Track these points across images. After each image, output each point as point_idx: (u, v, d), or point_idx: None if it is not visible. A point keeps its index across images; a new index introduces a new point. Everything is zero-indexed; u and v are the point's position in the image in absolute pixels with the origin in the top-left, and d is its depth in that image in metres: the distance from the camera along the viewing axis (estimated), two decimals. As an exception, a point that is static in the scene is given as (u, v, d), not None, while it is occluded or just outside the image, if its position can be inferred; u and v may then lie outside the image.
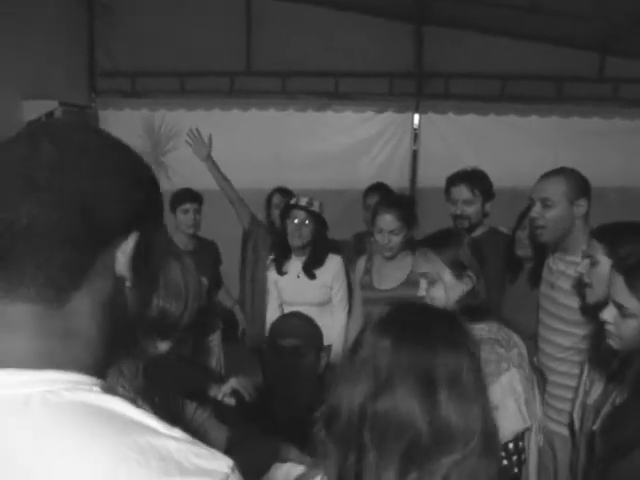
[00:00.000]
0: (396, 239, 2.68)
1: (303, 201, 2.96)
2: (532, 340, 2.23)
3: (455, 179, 2.82)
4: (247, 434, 1.74)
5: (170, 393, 1.55)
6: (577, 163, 4.90)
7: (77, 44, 5.28)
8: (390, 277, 2.77)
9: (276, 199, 3.85)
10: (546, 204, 2.06)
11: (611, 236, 1.72)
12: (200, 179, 5.07)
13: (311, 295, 2.95)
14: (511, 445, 1.48)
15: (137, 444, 0.53)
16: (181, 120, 5.44)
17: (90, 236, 0.59)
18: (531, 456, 1.59)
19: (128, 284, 0.63)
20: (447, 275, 1.63)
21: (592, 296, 1.77)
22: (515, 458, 1.49)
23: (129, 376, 1.25)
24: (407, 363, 0.91)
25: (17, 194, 0.57)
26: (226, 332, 3.61)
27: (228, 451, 1.77)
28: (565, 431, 1.99)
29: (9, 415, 0.53)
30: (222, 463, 0.56)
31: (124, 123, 5.49)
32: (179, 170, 5.42)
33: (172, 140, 5.54)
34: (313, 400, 1.92)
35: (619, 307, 1.39)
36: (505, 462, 1.44)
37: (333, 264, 2.99)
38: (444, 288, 1.63)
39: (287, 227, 2.94)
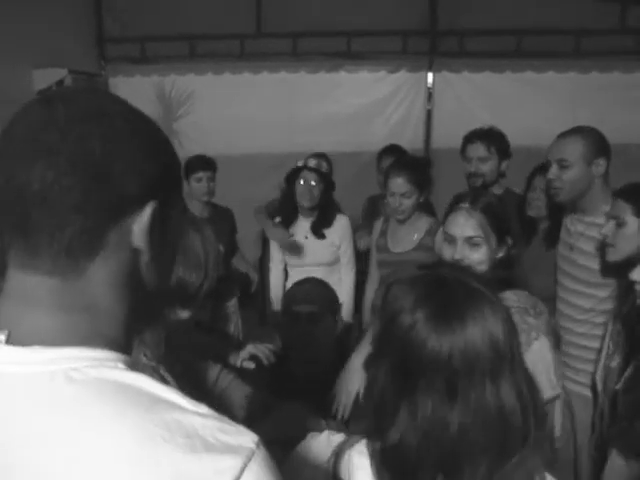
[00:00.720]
0: (407, 202, 2.69)
1: (312, 162, 2.96)
2: (549, 302, 2.22)
3: (472, 136, 2.80)
4: (269, 398, 1.78)
5: (192, 359, 1.58)
6: (597, 120, 4.79)
7: (85, 11, 5.21)
8: (404, 240, 2.78)
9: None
10: (563, 165, 2.02)
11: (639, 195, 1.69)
12: (213, 145, 5.07)
13: (320, 255, 3.00)
14: None
15: (163, 420, 0.54)
16: (192, 84, 5.41)
17: (104, 204, 0.58)
18: (557, 421, 1.59)
19: (146, 256, 0.63)
20: (492, 242, 1.58)
21: (614, 254, 1.75)
22: None
23: (151, 344, 1.28)
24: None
25: (29, 158, 0.56)
26: (243, 299, 3.64)
27: (251, 413, 1.81)
28: (585, 391, 2.00)
29: (34, 393, 0.54)
30: (247, 439, 0.56)
31: (135, 90, 5.44)
32: (191, 136, 5.40)
33: (184, 105, 5.50)
34: (331, 363, 1.96)
35: None
36: None
37: (341, 224, 3.04)
38: (487, 253, 1.56)
39: (296, 188, 2.95)
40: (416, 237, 2.73)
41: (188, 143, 5.38)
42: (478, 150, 2.74)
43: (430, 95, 5.16)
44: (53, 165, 0.56)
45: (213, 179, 3.39)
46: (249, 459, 0.54)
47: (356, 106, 5.23)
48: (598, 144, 2.03)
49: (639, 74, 4.79)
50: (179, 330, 1.40)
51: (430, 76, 5.13)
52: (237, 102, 5.32)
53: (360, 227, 3.48)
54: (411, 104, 5.25)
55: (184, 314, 1.36)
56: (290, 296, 2.15)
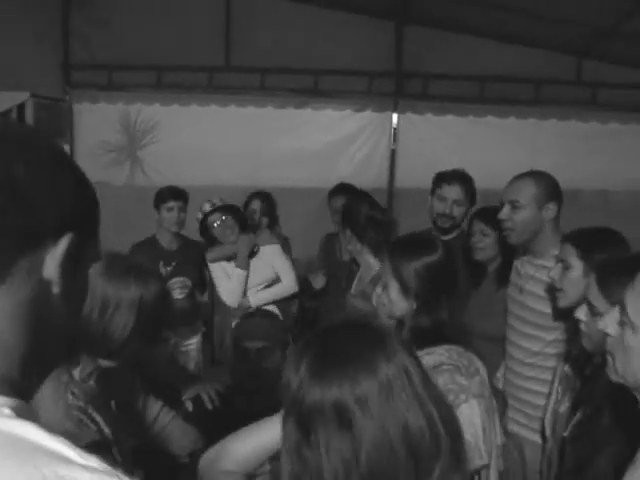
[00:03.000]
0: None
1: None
2: (499, 344, 2.22)
3: (450, 177, 2.73)
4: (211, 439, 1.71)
5: (130, 396, 1.50)
6: (554, 165, 4.95)
7: (52, 35, 5.17)
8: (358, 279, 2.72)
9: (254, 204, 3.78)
10: (515, 205, 2.05)
11: (586, 241, 1.71)
12: (177, 175, 5.02)
13: (258, 275, 3.12)
14: None
15: (42, 474, 0.48)
16: (157, 114, 5.38)
17: (20, 228, 0.55)
18: None
19: (56, 290, 0.59)
20: (393, 287, 1.56)
21: (564, 300, 1.76)
22: None
23: (79, 383, 1.20)
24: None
25: None
26: (209, 334, 3.55)
27: (193, 454, 1.74)
28: (534, 437, 1.97)
29: None
30: None
31: (99, 116, 5.39)
32: (155, 165, 5.35)
33: (149, 134, 5.46)
34: (276, 398, 1.91)
35: (590, 306, 1.38)
36: None
37: (265, 253, 3.15)
38: (389, 298, 1.56)
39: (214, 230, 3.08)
40: (367, 276, 2.64)
41: (151, 172, 5.33)
42: (456, 192, 2.69)
43: (395, 135, 5.25)
44: None
45: (184, 209, 3.32)
46: None
47: (322, 143, 5.27)
48: (550, 189, 2.07)
49: (594, 124, 4.98)
50: (119, 367, 1.33)
51: (395, 117, 5.22)
52: (203, 134, 5.31)
53: (316, 266, 3.47)
54: (376, 143, 5.32)
55: (107, 363, 1.28)
56: (239, 331, 2.10)
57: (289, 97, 5.26)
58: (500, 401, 1.87)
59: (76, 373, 1.22)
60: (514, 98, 5.01)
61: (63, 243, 0.59)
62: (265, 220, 3.62)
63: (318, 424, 0.86)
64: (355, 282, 2.64)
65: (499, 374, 2.25)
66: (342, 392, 0.86)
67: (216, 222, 3.03)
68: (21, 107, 4.58)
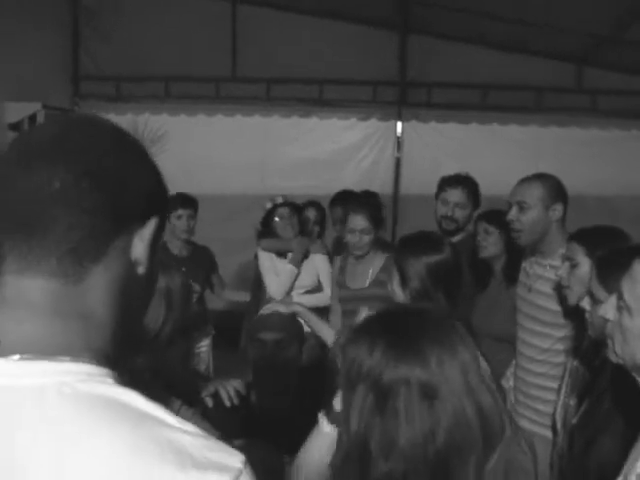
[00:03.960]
0: (366, 238, 2.76)
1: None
2: (510, 342, 2.29)
3: (452, 181, 2.86)
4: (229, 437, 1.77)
5: (153, 391, 1.55)
6: (555, 171, 4.99)
7: (62, 48, 5.28)
8: (360, 276, 2.85)
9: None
10: (522, 207, 2.13)
11: (591, 238, 1.78)
12: (185, 184, 5.07)
13: (303, 278, 3.24)
14: None
15: (153, 437, 0.54)
16: (165, 124, 5.46)
17: (115, 212, 0.61)
18: None
19: (141, 270, 0.65)
20: (395, 280, 1.67)
21: (572, 297, 1.82)
22: None
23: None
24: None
25: (49, 162, 0.59)
26: (218, 339, 3.60)
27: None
28: (546, 432, 2.02)
29: (25, 405, 0.54)
30: (235, 459, 0.57)
31: (108, 127, 5.48)
32: (163, 174, 5.42)
33: (156, 144, 5.54)
34: (298, 392, 1.97)
35: (591, 295, 1.46)
36: None
37: (317, 259, 3.28)
38: (392, 288, 1.68)
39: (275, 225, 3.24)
40: (371, 272, 2.79)
41: (159, 181, 5.42)
42: (458, 195, 2.81)
43: (399, 143, 5.33)
44: (72, 170, 0.59)
45: (194, 217, 3.37)
46: (236, 477, 0.55)
47: (327, 152, 5.36)
48: (556, 190, 2.14)
49: (594, 131, 5.06)
50: (142, 366, 1.39)
51: (399, 125, 5.31)
52: (210, 143, 5.40)
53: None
54: (381, 151, 5.41)
55: (138, 359, 1.33)
56: (256, 324, 2.16)
57: (295, 106, 5.36)
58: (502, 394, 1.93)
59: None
60: (516, 105, 5.10)
61: (150, 226, 0.64)
62: (317, 229, 3.72)
63: (401, 398, 0.93)
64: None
65: (508, 372, 2.32)
66: (428, 371, 0.94)
67: (281, 216, 3.19)
68: (33, 118, 4.67)
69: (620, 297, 1.07)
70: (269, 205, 3.24)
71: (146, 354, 1.36)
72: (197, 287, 3.30)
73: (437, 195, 2.91)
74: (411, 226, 4.03)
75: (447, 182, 2.87)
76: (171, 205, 3.31)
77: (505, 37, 4.74)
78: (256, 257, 3.39)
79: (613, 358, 1.13)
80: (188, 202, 3.38)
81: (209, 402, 2.02)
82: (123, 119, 5.49)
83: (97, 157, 0.61)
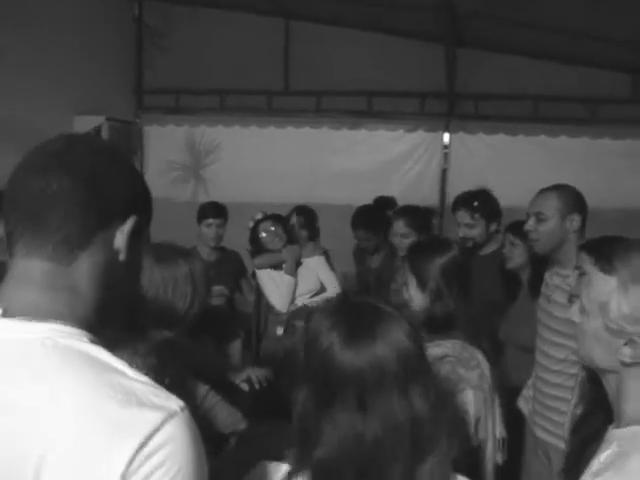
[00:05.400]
0: (406, 242, 2.92)
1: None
2: (533, 353, 2.31)
3: (456, 204, 3.02)
4: (256, 424, 1.90)
5: (182, 375, 1.71)
6: (607, 184, 4.90)
7: (126, 64, 5.63)
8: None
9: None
10: (539, 217, 2.16)
11: (600, 248, 1.80)
12: (237, 193, 5.32)
13: (305, 283, 3.30)
14: None
15: (109, 381, 0.70)
16: (220, 135, 5.72)
17: (100, 210, 0.78)
18: (487, 472, 1.62)
19: (122, 257, 0.81)
20: (412, 283, 1.72)
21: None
22: None
23: (143, 354, 1.43)
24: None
25: (53, 169, 0.76)
26: (248, 340, 3.73)
27: (239, 439, 1.93)
28: (559, 443, 2.04)
29: (14, 354, 0.71)
30: (174, 403, 0.71)
31: (166, 138, 5.79)
32: (217, 183, 5.68)
33: (211, 154, 5.81)
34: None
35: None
36: None
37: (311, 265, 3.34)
38: (409, 295, 1.73)
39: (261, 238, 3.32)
40: None
41: (213, 190, 5.65)
42: (464, 217, 2.94)
43: (446, 154, 5.36)
44: (69, 176, 0.76)
45: (222, 226, 3.50)
46: (171, 416, 0.69)
47: (375, 162, 5.45)
48: (573, 201, 2.16)
49: (649, 142, 4.93)
50: (175, 348, 1.56)
51: (446, 136, 5.34)
52: (262, 154, 5.60)
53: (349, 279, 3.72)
54: (428, 162, 5.45)
55: (168, 334, 1.52)
56: (290, 316, 2.31)
57: (344, 118, 5.49)
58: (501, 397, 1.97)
59: (140, 348, 1.45)
60: (566, 117, 5.03)
61: (129, 222, 0.80)
62: (304, 233, 3.76)
63: (339, 390, 0.97)
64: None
65: (529, 382, 2.34)
66: (369, 367, 0.96)
67: (266, 230, 3.24)
68: (97, 130, 5.02)
69: (579, 299, 1.13)
70: (251, 224, 3.29)
71: (177, 329, 1.55)
72: (226, 290, 3.43)
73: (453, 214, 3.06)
74: (457, 236, 4.08)
75: (453, 205, 3.05)
76: (202, 214, 3.48)
77: (554, 47, 4.69)
78: (254, 275, 3.46)
79: (580, 361, 1.18)
80: (219, 211, 3.50)
81: (245, 386, 2.21)
82: (181, 130, 5.81)
83: (88, 167, 0.78)
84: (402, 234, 3.01)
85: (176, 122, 5.82)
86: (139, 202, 0.84)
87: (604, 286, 1.11)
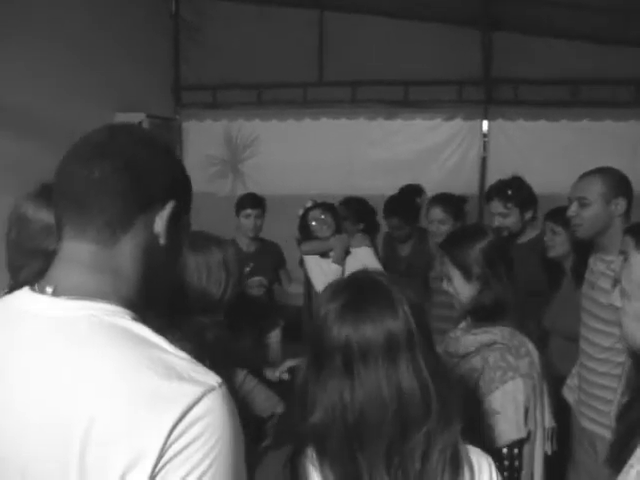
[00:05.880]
0: (443, 228, 3.07)
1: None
2: (577, 342, 2.26)
3: (489, 193, 3.02)
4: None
5: (220, 360, 1.74)
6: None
7: (164, 60, 5.71)
8: None
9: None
10: (583, 203, 2.10)
11: None
12: (275, 185, 5.36)
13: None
14: (505, 450, 1.51)
15: (149, 355, 0.74)
16: (257, 129, 5.76)
17: (140, 195, 0.82)
18: (536, 462, 1.58)
19: (162, 241, 0.85)
20: (456, 276, 1.69)
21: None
22: (507, 463, 1.51)
23: (179, 339, 1.46)
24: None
25: (96, 158, 0.81)
26: (289, 331, 3.76)
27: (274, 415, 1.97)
28: (605, 432, 2.00)
29: (64, 329, 0.76)
30: (212, 378, 0.74)
31: (205, 133, 5.87)
32: (255, 177, 5.73)
33: (249, 148, 5.86)
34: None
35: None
36: (497, 464, 1.44)
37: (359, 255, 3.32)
38: (454, 288, 1.69)
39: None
40: None
41: (251, 183, 5.71)
42: (497, 207, 2.92)
43: (485, 142, 5.27)
44: (110, 164, 0.81)
45: (261, 217, 3.55)
46: (209, 391, 0.72)
47: (412, 152, 5.40)
48: (618, 184, 2.09)
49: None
50: (216, 335, 1.59)
51: (485, 124, 5.25)
52: (299, 146, 5.62)
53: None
54: (466, 151, 5.37)
55: (204, 319, 1.56)
56: (318, 299, 2.33)
57: (379, 108, 5.45)
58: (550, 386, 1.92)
59: (176, 333, 1.49)
60: (611, 100, 4.88)
61: (169, 207, 0.84)
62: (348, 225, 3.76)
63: (331, 363, 1.01)
64: None
65: (574, 370, 2.29)
66: (356, 341, 1.00)
67: (315, 218, 3.28)
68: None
69: (620, 284, 1.11)
70: (300, 212, 3.32)
71: (211, 314, 1.59)
72: (265, 281, 3.46)
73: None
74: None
75: (488, 193, 3.05)
76: (240, 204, 3.53)
77: (593, 29, 4.54)
78: (301, 263, 3.49)
79: (623, 343, 1.16)
80: (257, 202, 3.54)
81: (285, 376, 2.25)
82: (219, 125, 5.87)
83: (129, 154, 0.82)
84: (439, 220, 3.08)
85: (214, 117, 5.88)
86: (178, 188, 0.87)
87: None
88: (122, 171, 0.80)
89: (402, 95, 5.35)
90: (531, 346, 1.61)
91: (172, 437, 0.69)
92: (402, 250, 3.82)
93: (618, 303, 1.14)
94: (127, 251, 0.82)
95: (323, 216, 3.27)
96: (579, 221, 2.12)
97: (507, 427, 1.49)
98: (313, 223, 3.27)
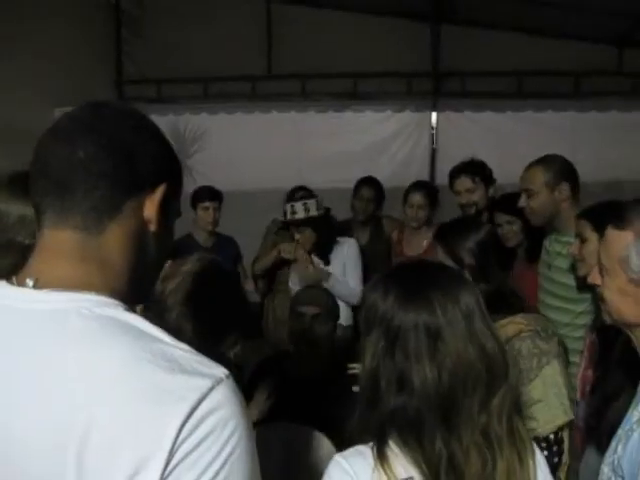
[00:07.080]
0: (422, 213, 3.33)
1: (300, 212, 3.17)
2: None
3: (455, 171, 3.11)
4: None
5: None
6: (595, 157, 4.89)
7: (105, 53, 5.52)
8: (416, 245, 3.37)
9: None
10: (529, 194, 2.20)
11: (597, 214, 1.81)
12: (225, 180, 5.24)
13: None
14: (552, 436, 1.51)
15: (149, 348, 0.67)
16: (205, 123, 5.64)
17: (128, 177, 0.75)
18: (566, 446, 1.57)
19: (152, 227, 0.77)
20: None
21: (582, 269, 1.86)
22: (555, 449, 1.51)
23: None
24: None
25: (79, 135, 0.74)
26: (246, 328, 3.68)
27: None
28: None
29: (52, 323, 0.69)
30: (219, 370, 0.68)
31: (151, 128, 5.70)
32: (204, 172, 5.60)
33: (197, 143, 5.73)
34: (328, 368, 2.07)
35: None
36: (546, 453, 1.41)
37: (342, 248, 3.32)
38: None
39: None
40: (425, 243, 3.26)
41: (200, 178, 5.56)
42: (464, 183, 3.01)
43: (434, 134, 5.34)
44: (95, 142, 0.73)
45: (219, 209, 3.51)
46: (217, 384, 0.66)
47: (363, 144, 5.41)
48: (560, 170, 2.19)
49: (635, 114, 4.93)
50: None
51: (434, 115, 5.31)
52: (248, 140, 5.53)
53: None
54: (416, 142, 5.42)
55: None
56: (296, 298, 2.29)
57: (329, 101, 5.44)
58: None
59: None
60: (552, 92, 5.03)
61: (159, 191, 0.77)
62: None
63: (409, 340, 1.03)
64: None
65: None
66: (433, 316, 1.03)
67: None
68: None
69: (600, 261, 1.13)
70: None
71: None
72: None
73: (450, 188, 3.12)
74: (448, 216, 4.07)
75: (452, 175, 3.17)
76: (197, 197, 3.45)
77: (539, 22, 4.67)
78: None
79: (607, 319, 1.19)
80: (214, 195, 3.51)
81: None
82: (165, 119, 5.67)
83: (116, 133, 0.75)
84: (419, 205, 3.31)
85: (159, 112, 5.67)
86: (170, 170, 0.81)
87: (621, 241, 1.11)
88: (109, 150, 0.73)
89: (352, 88, 5.35)
90: (552, 327, 1.64)
91: (181, 437, 0.62)
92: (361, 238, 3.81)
93: (598, 281, 1.16)
94: (115, 239, 0.75)
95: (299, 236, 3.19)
96: (530, 211, 2.20)
97: (553, 413, 1.49)
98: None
